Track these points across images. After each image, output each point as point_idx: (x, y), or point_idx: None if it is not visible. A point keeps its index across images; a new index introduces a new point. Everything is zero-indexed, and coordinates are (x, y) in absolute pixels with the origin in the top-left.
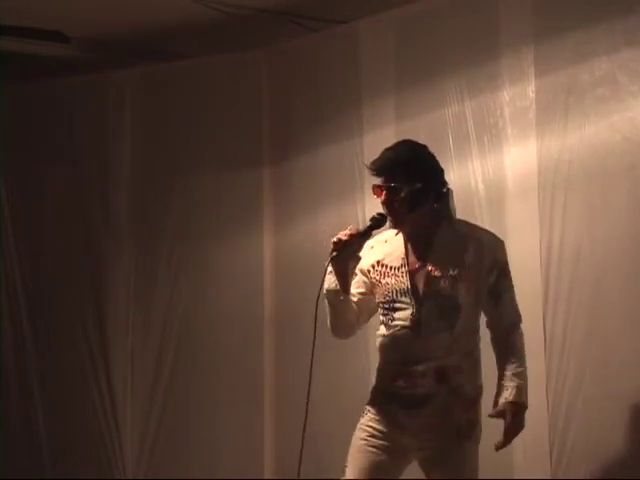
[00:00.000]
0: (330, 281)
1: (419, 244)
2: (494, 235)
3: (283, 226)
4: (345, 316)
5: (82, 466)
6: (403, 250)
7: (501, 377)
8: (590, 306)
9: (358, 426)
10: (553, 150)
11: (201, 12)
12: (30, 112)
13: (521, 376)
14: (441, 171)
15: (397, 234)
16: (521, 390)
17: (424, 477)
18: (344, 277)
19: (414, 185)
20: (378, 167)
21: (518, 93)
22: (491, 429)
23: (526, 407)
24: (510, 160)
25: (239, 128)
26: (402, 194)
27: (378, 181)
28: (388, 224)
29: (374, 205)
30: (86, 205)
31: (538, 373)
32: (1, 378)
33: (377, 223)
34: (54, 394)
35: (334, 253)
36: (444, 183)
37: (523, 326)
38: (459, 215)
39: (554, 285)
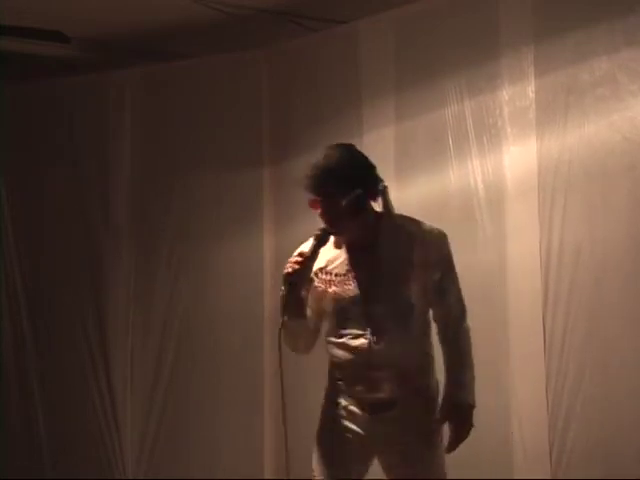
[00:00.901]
0: (290, 310)
1: (362, 247)
2: (438, 230)
3: (283, 226)
4: (305, 335)
5: (82, 466)
6: (346, 256)
7: (447, 377)
8: (590, 306)
9: (319, 431)
10: (553, 150)
11: (201, 12)
12: (30, 112)
13: (466, 375)
14: (373, 168)
15: (337, 239)
16: (466, 389)
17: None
18: (301, 302)
19: (351, 192)
20: (311, 185)
21: (518, 93)
22: (490, 428)
23: (472, 406)
24: (510, 160)
25: (239, 128)
26: (342, 203)
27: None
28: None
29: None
30: (86, 205)
31: (538, 373)
32: (1, 378)
33: (322, 239)
34: (54, 394)
35: (290, 284)
36: (379, 180)
37: (522, 325)
38: (460, 215)
39: (554, 285)
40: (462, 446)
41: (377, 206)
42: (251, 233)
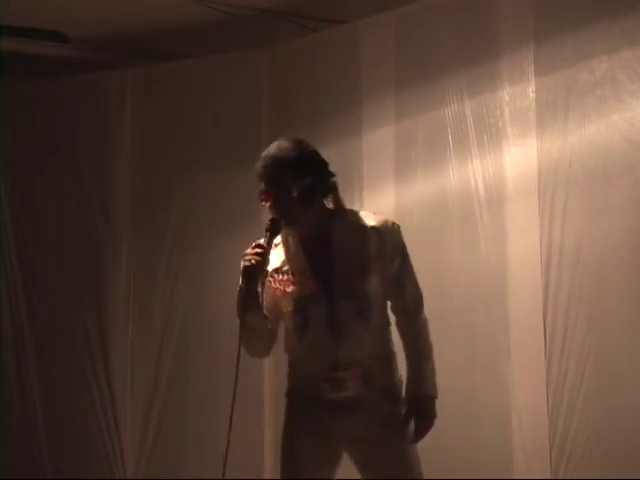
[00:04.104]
0: (251, 305)
1: (316, 244)
2: (391, 221)
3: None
4: (264, 336)
5: (82, 466)
6: (301, 254)
7: (408, 370)
8: (590, 306)
9: (284, 432)
10: (553, 150)
11: (201, 12)
12: (30, 112)
13: (426, 367)
14: (325, 164)
15: (287, 236)
16: (427, 381)
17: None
18: (258, 296)
19: (301, 182)
20: (262, 174)
21: (518, 93)
22: (491, 428)
23: (434, 397)
24: (510, 160)
25: (239, 128)
26: (292, 193)
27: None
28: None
29: (374, 205)
30: (86, 205)
31: (538, 373)
32: (1, 378)
33: (275, 229)
34: (54, 394)
35: (249, 277)
36: (330, 175)
37: (522, 326)
38: (460, 215)
39: (554, 285)
40: (462, 446)
41: (329, 203)
42: (251, 233)
